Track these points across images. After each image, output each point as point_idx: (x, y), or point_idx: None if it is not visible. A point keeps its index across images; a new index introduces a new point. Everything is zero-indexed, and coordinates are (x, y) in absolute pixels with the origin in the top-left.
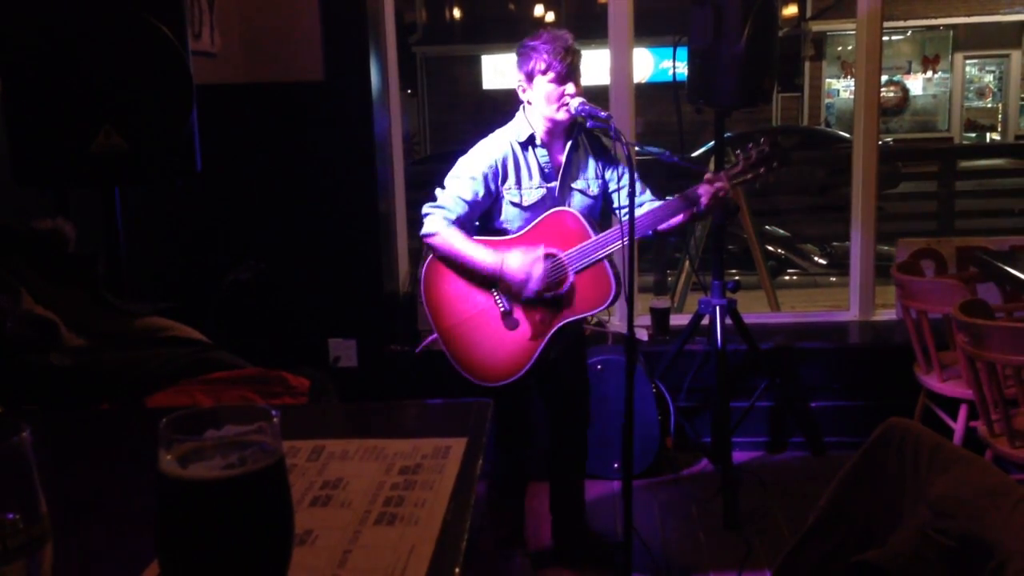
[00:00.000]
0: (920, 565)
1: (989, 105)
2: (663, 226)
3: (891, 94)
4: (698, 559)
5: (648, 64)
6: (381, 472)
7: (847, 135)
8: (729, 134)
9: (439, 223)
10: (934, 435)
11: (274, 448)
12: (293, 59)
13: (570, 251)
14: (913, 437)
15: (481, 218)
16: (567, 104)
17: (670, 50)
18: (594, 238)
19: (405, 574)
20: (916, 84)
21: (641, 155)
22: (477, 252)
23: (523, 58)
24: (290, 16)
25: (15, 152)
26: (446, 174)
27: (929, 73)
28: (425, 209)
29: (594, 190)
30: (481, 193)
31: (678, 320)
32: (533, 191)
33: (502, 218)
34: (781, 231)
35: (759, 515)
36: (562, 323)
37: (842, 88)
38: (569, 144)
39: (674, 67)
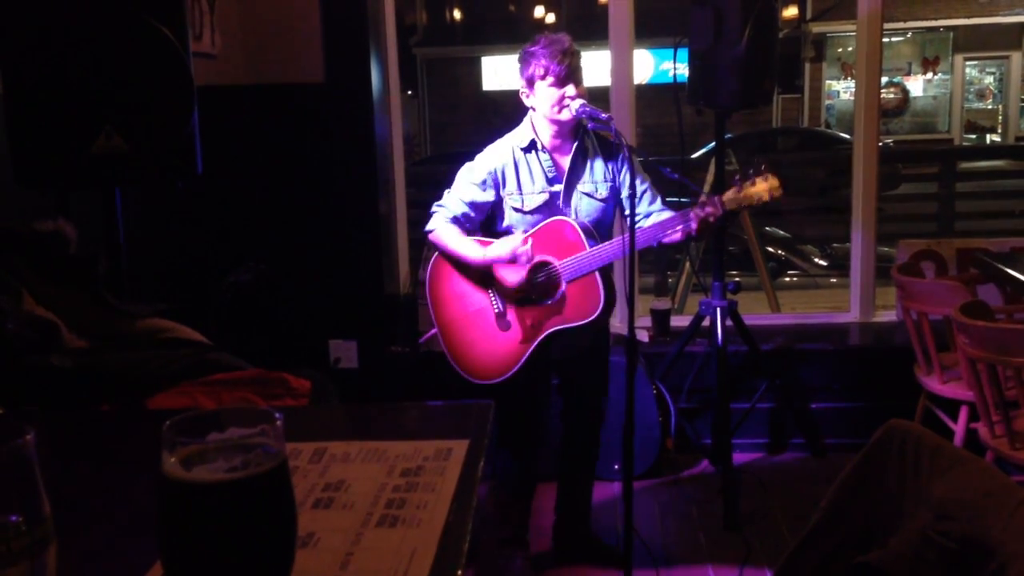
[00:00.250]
0: (921, 567)
1: (989, 107)
2: (663, 240)
3: (891, 95)
4: (698, 560)
5: (648, 65)
6: (383, 474)
7: (847, 136)
8: (729, 135)
9: (438, 220)
10: (935, 437)
11: (277, 450)
12: (294, 60)
13: (565, 261)
14: (914, 439)
15: (485, 223)
16: (568, 106)
17: (670, 51)
18: (588, 250)
19: None
20: (916, 85)
21: (644, 163)
22: (466, 247)
23: (523, 64)
24: (291, 18)
25: (16, 153)
26: (446, 175)
27: (929, 75)
28: (433, 207)
29: (603, 193)
30: (480, 198)
31: (679, 321)
32: (535, 196)
33: (505, 223)
34: (781, 232)
35: (759, 516)
36: (552, 330)
37: (842, 89)
38: (575, 147)
39: (674, 68)
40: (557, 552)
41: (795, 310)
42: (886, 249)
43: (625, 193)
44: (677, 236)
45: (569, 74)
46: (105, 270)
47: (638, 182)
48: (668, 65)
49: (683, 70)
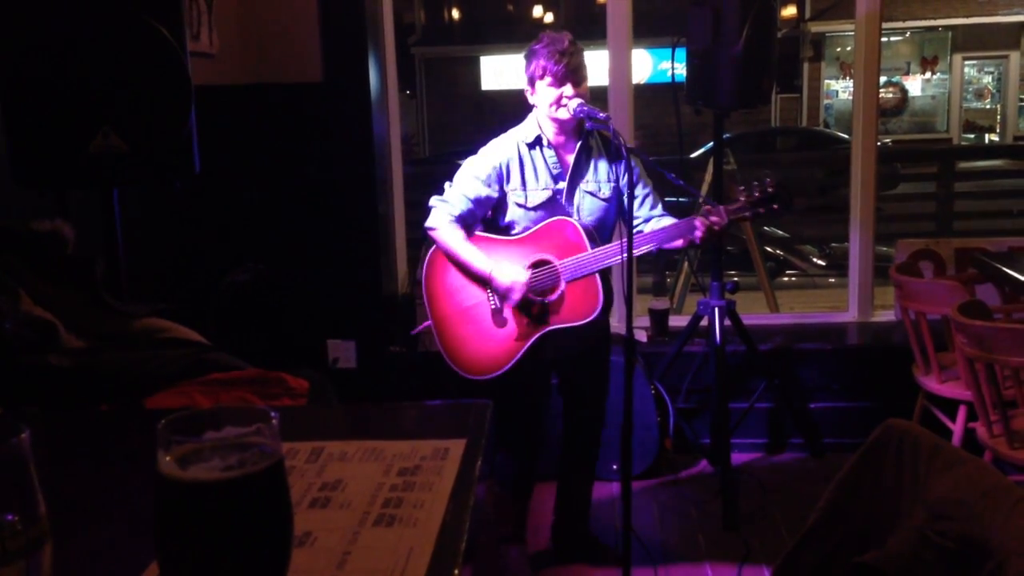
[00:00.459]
0: (919, 566)
1: (988, 106)
2: (665, 246)
3: (890, 95)
4: (697, 560)
5: (647, 65)
6: (380, 473)
7: (846, 136)
8: (728, 135)
9: (442, 218)
10: (932, 436)
11: (273, 450)
12: (292, 60)
13: (565, 261)
14: (912, 438)
15: (487, 217)
16: (566, 105)
17: (669, 51)
18: (590, 252)
19: (404, 575)
20: (915, 85)
21: (648, 165)
22: (472, 256)
23: (526, 62)
24: (289, 17)
25: (14, 153)
26: (445, 175)
27: (928, 74)
28: (432, 201)
29: (606, 192)
30: (484, 193)
31: (677, 321)
32: (539, 192)
33: (508, 218)
34: (780, 232)
35: (758, 516)
36: (548, 329)
37: (841, 89)
38: (578, 145)
39: (673, 68)
40: (555, 551)
41: (793, 310)
42: (884, 249)
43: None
44: (679, 243)
45: (567, 74)
46: (103, 270)
47: (640, 187)
48: (666, 65)
49: (681, 70)
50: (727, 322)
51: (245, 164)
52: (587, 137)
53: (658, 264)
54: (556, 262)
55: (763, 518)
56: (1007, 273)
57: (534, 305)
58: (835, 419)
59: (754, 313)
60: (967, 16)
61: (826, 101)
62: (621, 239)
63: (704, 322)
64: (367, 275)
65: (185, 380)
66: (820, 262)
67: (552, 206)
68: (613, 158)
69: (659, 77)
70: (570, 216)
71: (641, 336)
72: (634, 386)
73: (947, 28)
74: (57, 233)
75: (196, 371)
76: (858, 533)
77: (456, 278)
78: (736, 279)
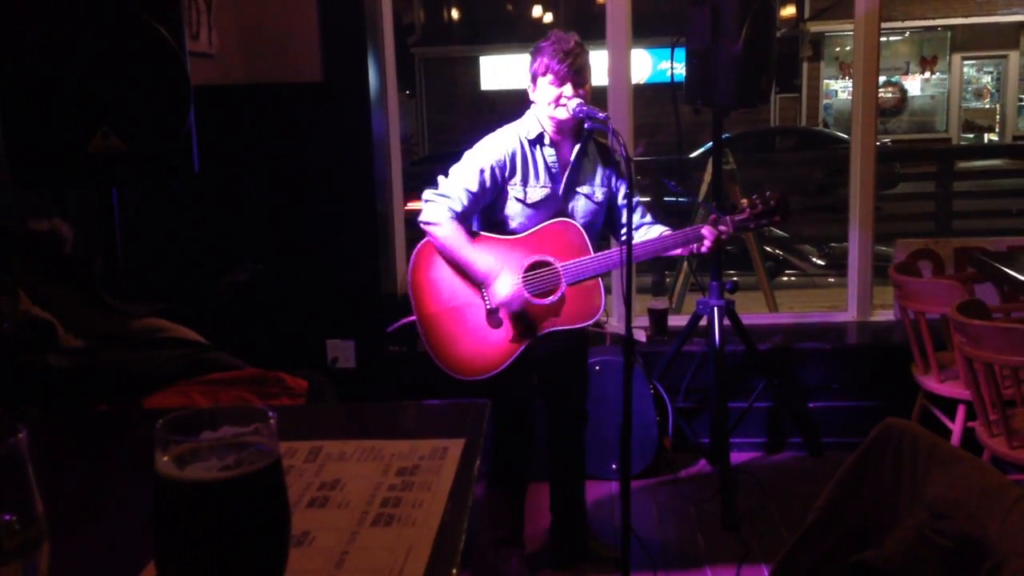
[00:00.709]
0: (917, 565)
1: (987, 106)
2: (669, 253)
3: (889, 95)
4: (696, 559)
5: (646, 65)
6: (379, 473)
7: (845, 136)
8: (727, 135)
9: (442, 214)
10: (931, 435)
11: (271, 449)
12: (291, 60)
13: (567, 263)
14: (910, 438)
15: (484, 210)
16: (565, 104)
17: (668, 51)
18: (594, 255)
19: (402, 575)
20: (914, 85)
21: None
22: (474, 258)
23: (531, 59)
24: (288, 17)
25: (13, 153)
26: (444, 175)
27: (927, 74)
28: (427, 195)
29: (599, 197)
30: (487, 186)
31: (676, 321)
32: (538, 190)
33: (505, 213)
34: (779, 232)
35: (757, 515)
36: (546, 331)
37: (840, 89)
38: (577, 147)
39: (672, 68)
40: (554, 552)
41: (793, 309)
42: (884, 248)
43: (621, 200)
44: (681, 251)
45: (569, 74)
46: (102, 270)
47: (635, 197)
48: (666, 64)
49: (681, 69)
50: (726, 322)
51: (244, 164)
52: (585, 140)
53: (657, 264)
54: (557, 264)
55: (762, 517)
56: (1006, 272)
57: (533, 307)
58: (834, 418)
59: (753, 313)
60: (966, 16)
61: (825, 101)
62: (621, 246)
63: (703, 322)
64: (366, 275)
65: (184, 380)
66: (819, 262)
67: (549, 205)
68: (606, 164)
69: (658, 77)
70: (570, 217)
71: (640, 336)
72: (633, 386)
73: (946, 28)
74: (56, 233)
75: (195, 371)
76: (857, 532)
77: (448, 274)
78: (735, 279)
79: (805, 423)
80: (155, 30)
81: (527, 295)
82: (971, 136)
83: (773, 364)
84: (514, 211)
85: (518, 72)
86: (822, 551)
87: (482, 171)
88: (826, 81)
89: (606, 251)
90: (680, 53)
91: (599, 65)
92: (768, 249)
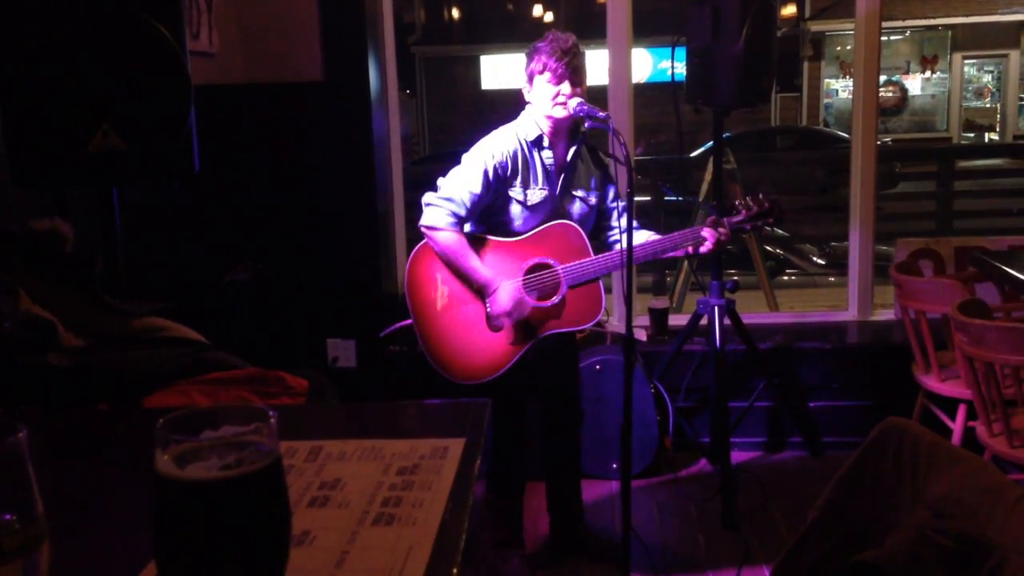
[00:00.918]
0: (918, 565)
1: (987, 105)
2: (668, 255)
3: (890, 94)
4: (697, 559)
5: (647, 64)
6: (379, 473)
7: (846, 135)
8: (728, 134)
9: (444, 218)
10: (932, 435)
11: (271, 449)
12: (291, 59)
13: (568, 266)
14: (911, 437)
15: (483, 212)
16: (564, 103)
17: (669, 50)
18: (594, 257)
19: (403, 575)
20: (915, 84)
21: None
22: (475, 265)
23: (528, 59)
24: (289, 16)
25: (13, 152)
26: (445, 174)
27: (927, 73)
28: (428, 199)
29: (592, 200)
30: (490, 186)
31: (677, 320)
32: (537, 192)
33: (504, 214)
34: (780, 231)
35: (757, 515)
36: (547, 334)
37: (841, 88)
38: (573, 150)
39: (672, 67)
40: (554, 552)
41: (793, 309)
42: (884, 248)
43: (610, 203)
44: (679, 252)
45: (567, 73)
46: (102, 269)
47: (618, 202)
48: (666, 64)
49: (681, 69)
50: (727, 321)
51: (245, 163)
52: (580, 143)
53: (658, 263)
54: (558, 266)
55: (763, 517)
56: (1007, 272)
57: (533, 309)
58: (835, 418)
59: (754, 312)
60: (967, 15)
61: (826, 100)
62: (621, 248)
63: (704, 321)
64: (367, 274)
65: (184, 379)
66: (820, 261)
67: (548, 206)
68: (597, 166)
69: (659, 76)
70: (565, 217)
71: (641, 335)
72: (634, 385)
73: (947, 27)
74: (56, 232)
75: (195, 370)
76: (858, 532)
77: (446, 278)
78: (736, 278)
79: (806, 422)
80: (156, 29)
81: (528, 300)
82: (972, 135)
83: (774, 363)
84: (514, 212)
85: (519, 71)
86: (823, 551)
87: (485, 172)
88: (827, 80)
89: (606, 253)
90: (680, 52)
91: (599, 64)
92: (769, 248)
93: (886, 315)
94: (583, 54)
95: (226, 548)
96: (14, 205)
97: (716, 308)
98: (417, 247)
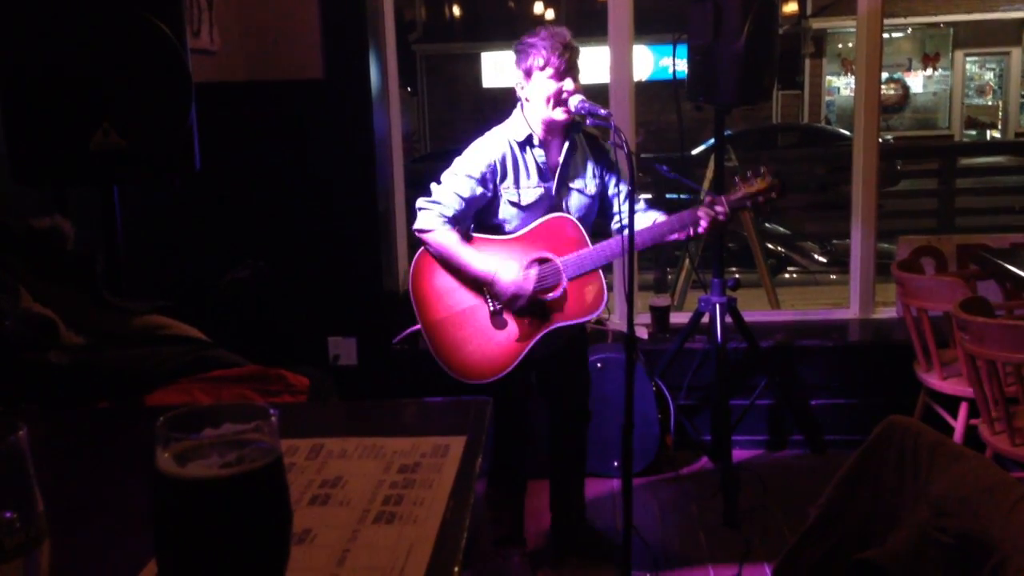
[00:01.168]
0: (920, 563)
1: (989, 102)
2: (667, 239)
3: (891, 91)
4: (698, 557)
5: (648, 62)
6: (380, 470)
7: (847, 133)
8: (729, 132)
9: (434, 220)
10: (934, 433)
11: (272, 447)
12: (292, 57)
13: (566, 258)
14: (913, 435)
15: (478, 214)
16: (565, 102)
17: (670, 48)
18: (592, 248)
19: (404, 573)
20: (916, 82)
21: (645, 163)
22: (472, 258)
23: (521, 55)
24: (289, 14)
25: (13, 150)
26: (438, 182)
27: (929, 70)
28: (419, 203)
29: (591, 189)
30: (479, 191)
31: (678, 318)
32: (531, 190)
33: (500, 216)
34: (781, 229)
35: (759, 513)
36: (551, 328)
37: (842, 85)
38: (567, 144)
39: (674, 65)
40: (555, 550)
41: (795, 307)
42: (886, 245)
43: (612, 191)
44: (680, 235)
45: (568, 68)
46: (103, 267)
47: (623, 185)
48: (668, 61)
49: (683, 66)
50: (728, 319)
51: (246, 161)
52: (572, 136)
53: (659, 261)
54: (557, 259)
55: (763, 515)
56: (1009, 269)
57: (536, 304)
58: (836, 416)
59: (755, 310)
60: (968, 12)
61: (827, 97)
62: (620, 236)
63: (705, 319)
64: (368, 272)
65: (185, 377)
66: (821, 259)
67: (544, 204)
68: (596, 154)
69: (660, 74)
70: (566, 212)
71: (642, 333)
72: (635, 383)
73: (949, 24)
74: (57, 230)
75: (196, 368)
76: (859, 530)
77: (448, 280)
78: (737, 276)
79: (807, 421)
80: (156, 27)
81: (531, 277)
82: (973, 133)
83: (775, 361)
84: (509, 214)
85: (512, 68)
86: (824, 549)
87: (471, 177)
88: (828, 78)
89: (604, 242)
90: (682, 50)
91: (601, 62)
92: (770, 246)
93: (888, 313)
94: (578, 49)
95: (227, 546)
96: (15, 203)
97: (717, 306)
98: (417, 254)
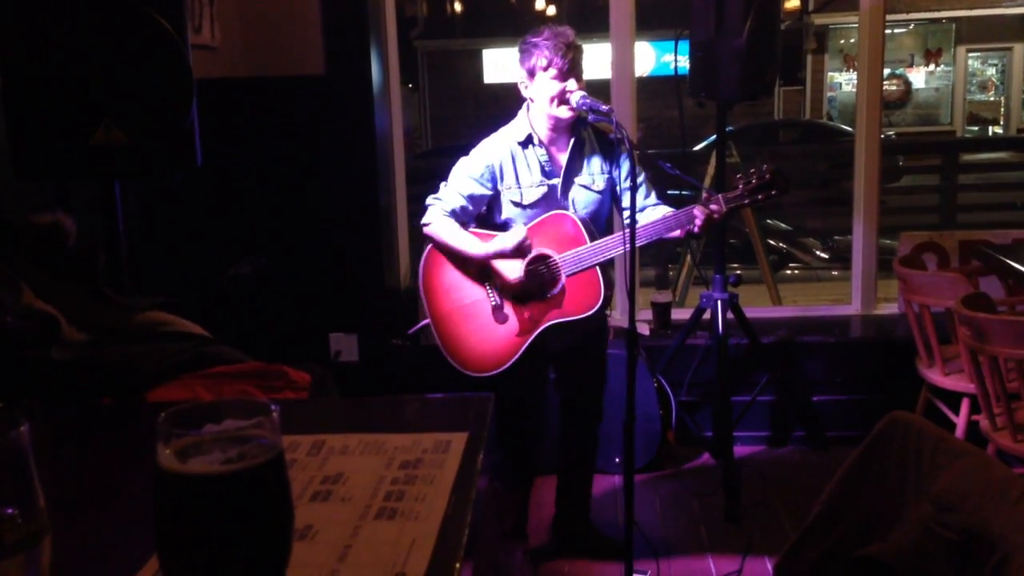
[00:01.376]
0: (922, 559)
1: (991, 98)
2: (664, 237)
3: (893, 87)
4: (699, 553)
5: (650, 58)
6: (381, 467)
7: (849, 128)
8: (731, 128)
9: (435, 214)
10: (936, 429)
11: (273, 443)
12: (293, 53)
13: (565, 254)
14: (915, 431)
15: (483, 216)
16: (569, 100)
17: (672, 43)
18: (589, 244)
19: (406, 569)
20: (918, 77)
21: (643, 158)
22: (466, 241)
23: (525, 54)
24: (291, 10)
25: (15, 146)
26: (446, 168)
27: (931, 66)
28: (428, 200)
29: (600, 185)
30: (478, 191)
31: (680, 314)
32: (533, 189)
33: (503, 216)
34: (783, 225)
35: (760, 509)
36: (550, 323)
37: (844, 81)
38: (572, 141)
39: (676, 61)
40: (557, 545)
41: (796, 303)
42: (888, 241)
43: (622, 186)
44: (678, 233)
45: (572, 67)
46: (104, 263)
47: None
48: (669, 57)
49: (684, 62)
50: (730, 315)
51: (247, 157)
52: (580, 131)
53: (660, 257)
54: (555, 256)
55: (765, 511)
56: (1011, 265)
57: (535, 300)
58: (838, 412)
59: (757, 306)
60: (971, 8)
61: (829, 93)
62: (622, 231)
63: (707, 315)
64: (369, 268)
65: (187, 373)
66: (823, 255)
67: (548, 202)
68: (605, 150)
69: (662, 70)
70: (567, 210)
71: (644, 329)
72: (636, 379)
73: (951, 20)
74: (58, 226)
75: (198, 364)
76: (861, 526)
77: (454, 275)
78: (739, 272)
79: (808, 417)
80: (157, 23)
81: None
82: (975, 129)
83: (777, 357)
84: (513, 214)
85: (515, 66)
86: (826, 545)
87: (471, 176)
88: (830, 74)
89: (602, 239)
90: (684, 46)
91: (602, 58)
92: (772, 242)
93: (889, 309)
94: (582, 48)
95: (228, 542)
96: (16, 199)
97: (719, 302)
98: (427, 250)
